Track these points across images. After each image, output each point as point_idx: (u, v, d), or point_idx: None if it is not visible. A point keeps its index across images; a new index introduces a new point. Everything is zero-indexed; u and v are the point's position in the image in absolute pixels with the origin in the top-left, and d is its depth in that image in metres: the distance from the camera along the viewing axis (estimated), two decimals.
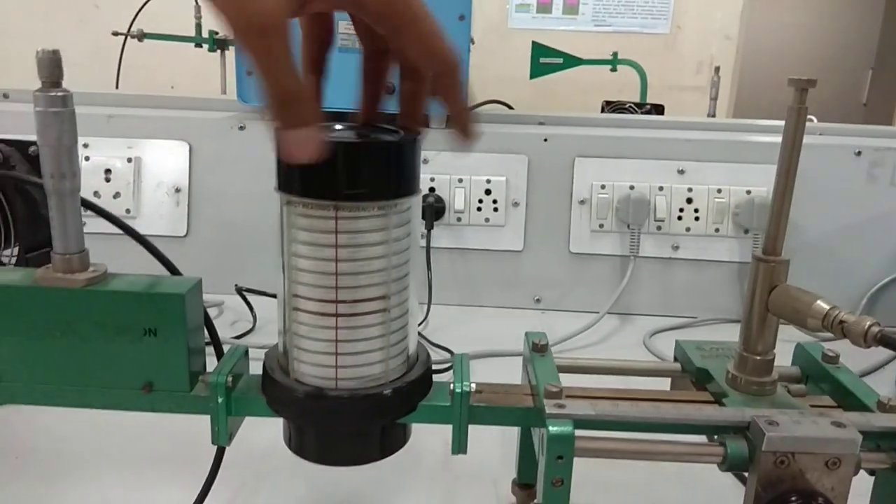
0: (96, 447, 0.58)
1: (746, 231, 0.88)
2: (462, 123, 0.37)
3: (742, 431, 0.37)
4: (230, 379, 0.40)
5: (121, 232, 0.81)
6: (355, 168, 0.36)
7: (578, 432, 0.36)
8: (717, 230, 0.89)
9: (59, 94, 0.37)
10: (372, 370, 0.39)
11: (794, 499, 0.35)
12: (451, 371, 0.43)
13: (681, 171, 0.89)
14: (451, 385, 0.41)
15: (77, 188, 0.39)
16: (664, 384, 0.49)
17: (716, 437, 0.38)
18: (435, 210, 0.90)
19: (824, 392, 0.44)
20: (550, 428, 0.36)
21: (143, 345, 0.40)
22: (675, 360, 0.49)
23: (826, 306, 0.37)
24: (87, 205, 0.42)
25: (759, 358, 0.41)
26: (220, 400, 0.40)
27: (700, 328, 0.88)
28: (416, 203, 0.40)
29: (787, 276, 0.40)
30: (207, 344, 0.43)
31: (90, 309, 0.40)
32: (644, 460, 0.38)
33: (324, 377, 0.39)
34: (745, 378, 0.41)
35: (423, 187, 0.90)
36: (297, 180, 0.37)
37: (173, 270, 0.44)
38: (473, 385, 0.41)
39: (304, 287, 0.38)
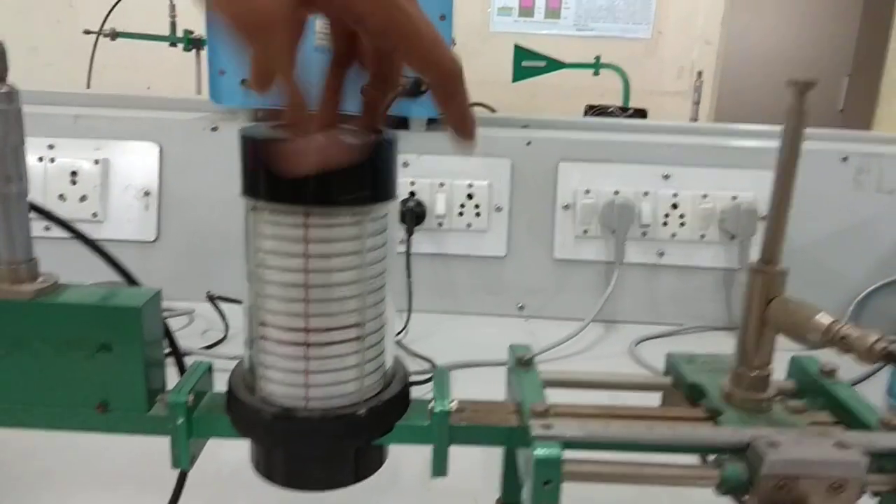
0: (53, 466, 0.54)
1: (732, 237, 0.87)
2: (462, 126, 0.35)
3: (740, 453, 0.35)
4: (191, 398, 0.37)
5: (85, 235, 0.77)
6: (327, 170, 0.33)
7: (567, 454, 0.34)
8: (702, 236, 0.87)
9: (3, 90, 0.34)
10: (345, 389, 0.37)
11: None
12: (432, 385, 0.40)
13: (666, 177, 0.87)
14: (431, 403, 0.38)
15: (24, 192, 0.36)
16: (654, 397, 0.46)
17: (712, 457, 0.36)
18: (415, 215, 0.87)
19: (821, 407, 0.42)
20: (537, 451, 0.34)
21: (97, 361, 0.37)
22: (667, 373, 0.46)
23: (827, 320, 0.35)
24: (37, 209, 0.38)
25: (755, 373, 0.39)
26: (179, 421, 0.37)
27: (686, 336, 0.86)
28: (392, 209, 0.37)
29: (784, 286, 0.38)
30: (168, 355, 0.41)
31: (39, 323, 0.37)
32: (636, 484, 0.35)
33: (293, 396, 0.36)
34: (742, 395, 0.39)
35: (404, 191, 0.87)
36: (263, 183, 0.34)
37: (131, 280, 0.41)
38: (454, 403, 0.38)
39: (272, 315, 0.35)
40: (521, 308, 0.90)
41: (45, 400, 0.38)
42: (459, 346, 0.78)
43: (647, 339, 0.84)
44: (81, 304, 0.36)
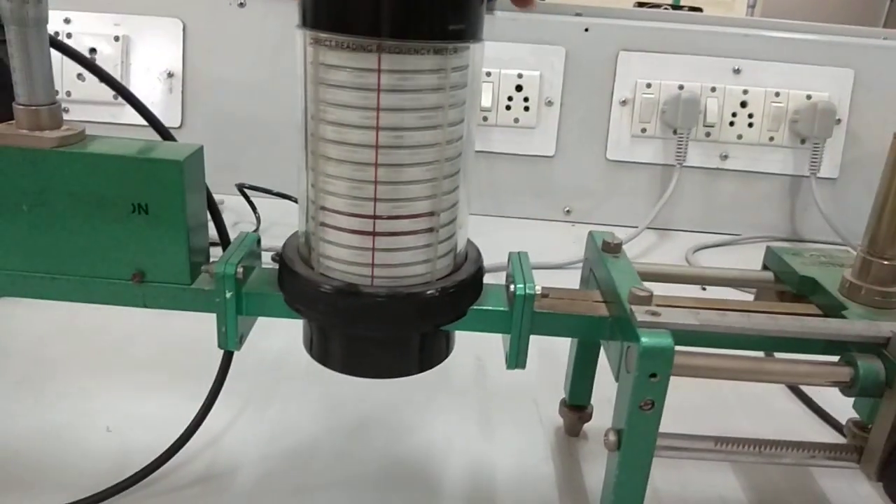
0: (81, 350, 0.51)
1: (803, 141, 0.79)
2: None
3: (875, 349, 0.30)
4: (241, 270, 0.32)
5: (106, 121, 0.71)
6: None
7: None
8: (771, 139, 0.80)
9: None
10: (415, 267, 0.32)
11: None
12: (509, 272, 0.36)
13: (736, 71, 0.79)
14: (511, 287, 0.34)
15: (43, 18, 0.30)
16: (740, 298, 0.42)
17: (839, 356, 0.31)
18: None
19: None
20: (643, 339, 0.29)
21: (132, 224, 0.32)
22: (765, 268, 0.41)
23: None
24: (57, 45, 0.33)
25: (887, 263, 0.34)
26: (228, 295, 0.32)
27: (748, 246, 0.80)
28: (478, 55, 0.31)
29: None
30: (213, 244, 0.36)
31: (64, 176, 0.32)
32: (755, 381, 0.31)
33: (357, 272, 0.31)
34: (868, 287, 0.34)
35: None
36: (327, 8, 0.28)
37: (167, 136, 0.35)
38: (539, 287, 0.33)
39: (334, 179, 0.30)
40: (568, 212, 0.84)
41: (73, 268, 0.33)
42: (501, 251, 0.73)
43: (705, 247, 0.78)
44: (113, 155, 0.31)
